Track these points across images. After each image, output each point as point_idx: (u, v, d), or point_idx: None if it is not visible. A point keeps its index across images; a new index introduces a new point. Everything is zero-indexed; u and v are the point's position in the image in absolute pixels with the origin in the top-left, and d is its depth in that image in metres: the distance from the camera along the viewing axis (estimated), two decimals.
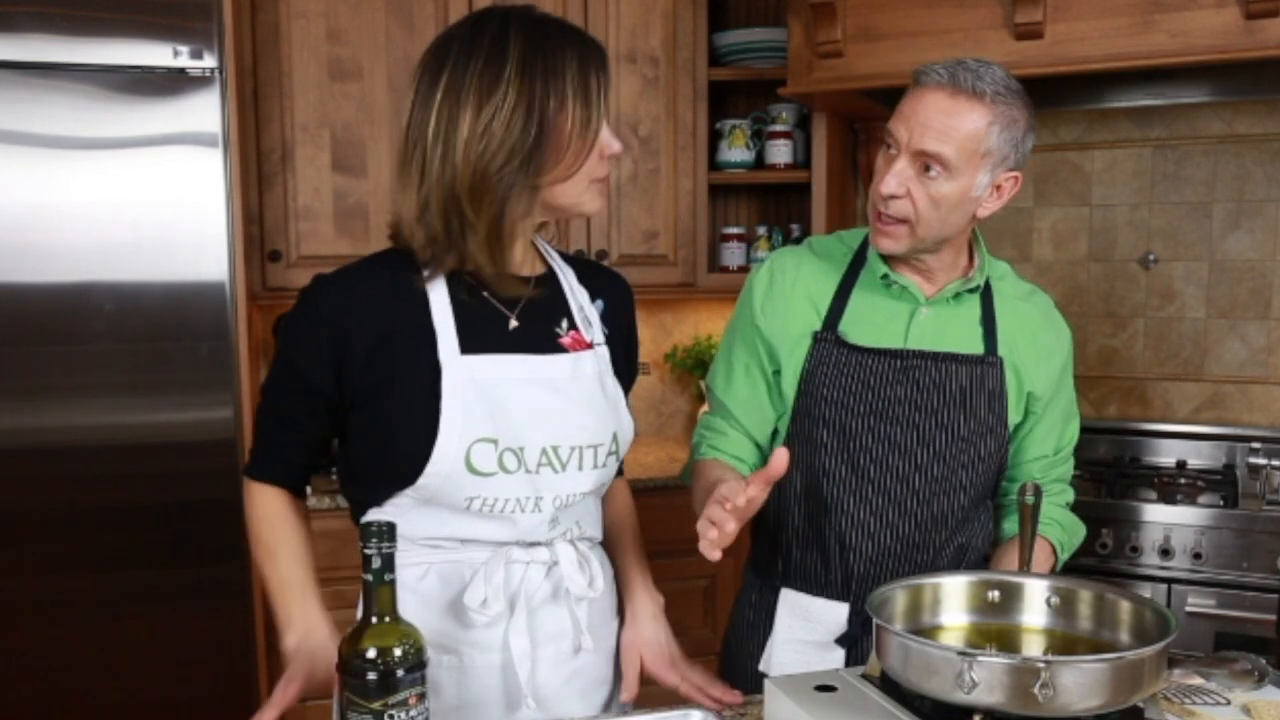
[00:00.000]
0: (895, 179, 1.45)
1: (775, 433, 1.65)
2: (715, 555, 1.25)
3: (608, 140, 1.31)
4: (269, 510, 1.39)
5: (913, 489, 1.54)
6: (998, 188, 1.49)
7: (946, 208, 1.46)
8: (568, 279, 1.44)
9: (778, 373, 1.61)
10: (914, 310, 1.56)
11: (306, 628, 1.33)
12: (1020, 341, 1.59)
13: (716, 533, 1.24)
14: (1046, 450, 1.64)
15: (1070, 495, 1.69)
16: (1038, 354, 1.59)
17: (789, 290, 1.61)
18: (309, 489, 1.49)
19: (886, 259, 1.57)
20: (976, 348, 1.57)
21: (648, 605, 1.50)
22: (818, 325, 1.58)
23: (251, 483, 1.41)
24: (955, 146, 1.43)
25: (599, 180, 1.33)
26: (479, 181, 1.25)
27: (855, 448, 1.54)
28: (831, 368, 1.56)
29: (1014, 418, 1.59)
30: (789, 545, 1.61)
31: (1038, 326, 1.61)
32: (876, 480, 1.54)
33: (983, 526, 1.63)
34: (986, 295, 1.60)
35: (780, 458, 1.25)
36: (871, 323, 1.57)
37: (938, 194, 1.45)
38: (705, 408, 1.75)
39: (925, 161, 1.44)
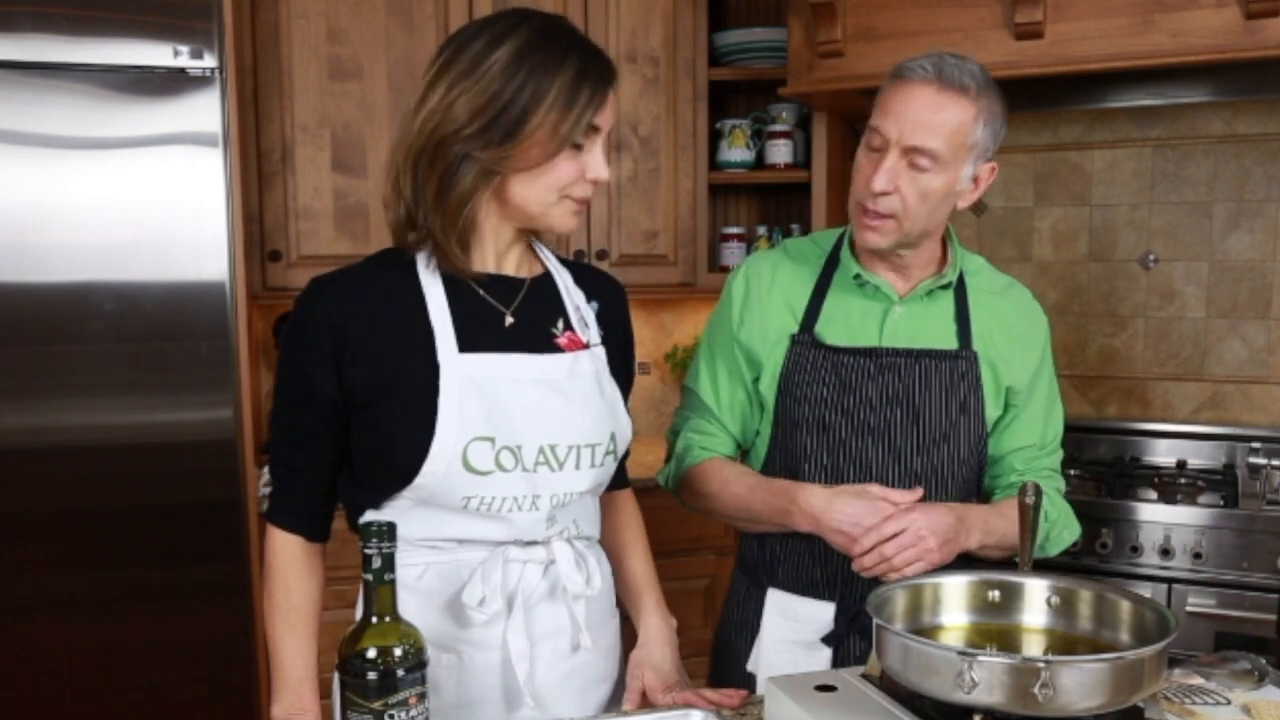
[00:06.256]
0: (886, 176, 1.46)
1: (757, 434, 1.66)
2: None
3: (594, 163, 1.30)
4: (286, 567, 1.37)
5: (893, 487, 1.54)
6: (976, 179, 1.51)
7: (934, 201, 1.48)
8: (564, 280, 1.44)
9: (757, 380, 1.62)
10: (888, 309, 1.58)
11: (299, 706, 1.35)
12: (996, 335, 1.60)
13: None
14: (1031, 440, 1.64)
15: (1061, 483, 1.69)
16: (1014, 347, 1.60)
17: (765, 295, 1.62)
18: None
19: (859, 258, 1.58)
20: (951, 344, 1.58)
21: (663, 630, 1.50)
22: (795, 328, 1.59)
23: (271, 528, 1.39)
24: (944, 141, 1.44)
25: (574, 199, 1.32)
26: (432, 148, 1.27)
27: (835, 448, 1.55)
28: (809, 369, 1.57)
29: (992, 412, 1.60)
30: (775, 546, 1.62)
31: (1014, 320, 1.62)
32: (857, 479, 1.54)
33: None
34: (960, 291, 1.61)
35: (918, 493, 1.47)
36: (846, 323, 1.58)
37: (926, 188, 1.47)
38: (680, 407, 1.75)
39: (915, 157, 1.45)
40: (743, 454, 1.71)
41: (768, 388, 1.61)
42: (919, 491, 1.49)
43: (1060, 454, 1.70)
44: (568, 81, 1.25)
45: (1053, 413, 1.67)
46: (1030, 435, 1.64)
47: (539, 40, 1.26)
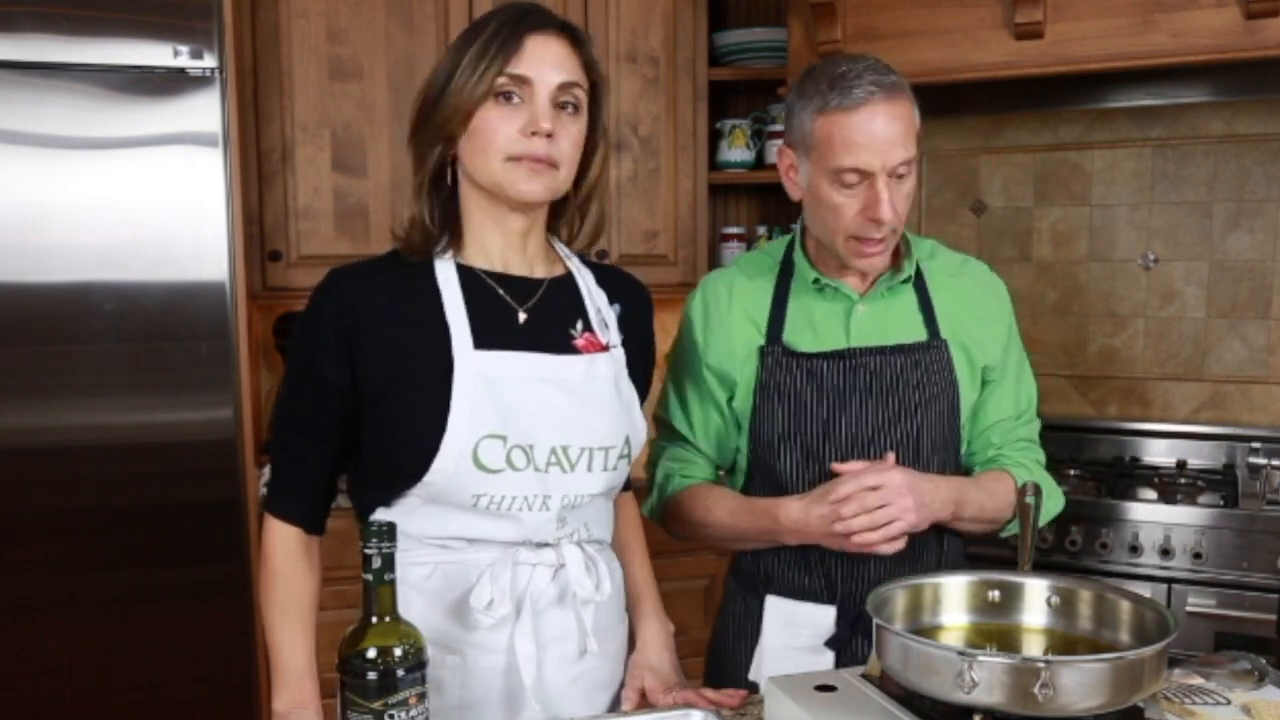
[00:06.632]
0: (888, 203, 1.45)
1: (737, 450, 1.66)
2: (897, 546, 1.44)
3: (535, 116, 1.27)
4: (284, 559, 1.37)
5: None
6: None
7: (911, 199, 1.52)
8: (585, 281, 1.44)
9: (730, 399, 1.62)
10: (850, 308, 1.58)
11: (301, 700, 1.34)
12: (963, 317, 1.60)
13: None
14: (1005, 413, 1.64)
15: (1039, 454, 1.68)
16: (982, 325, 1.61)
17: (725, 314, 1.62)
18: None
19: (814, 263, 1.59)
20: (920, 335, 1.58)
21: (660, 635, 1.51)
22: (761, 341, 1.59)
23: (270, 518, 1.38)
24: (912, 144, 1.47)
25: (519, 158, 1.28)
26: (414, 153, 1.35)
27: (817, 453, 1.55)
28: (783, 379, 1.57)
29: (969, 396, 1.60)
30: (770, 553, 1.62)
31: (977, 298, 1.63)
32: None
33: None
34: (919, 280, 1.61)
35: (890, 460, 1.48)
36: (812, 328, 1.59)
37: (907, 191, 1.50)
38: (655, 437, 1.74)
39: (896, 169, 1.46)
40: (727, 473, 1.71)
41: (742, 403, 1.60)
42: (890, 456, 1.50)
43: (1037, 423, 1.69)
44: (482, 44, 1.28)
45: (1023, 382, 1.67)
46: (1004, 408, 1.64)
47: (471, 29, 1.31)
